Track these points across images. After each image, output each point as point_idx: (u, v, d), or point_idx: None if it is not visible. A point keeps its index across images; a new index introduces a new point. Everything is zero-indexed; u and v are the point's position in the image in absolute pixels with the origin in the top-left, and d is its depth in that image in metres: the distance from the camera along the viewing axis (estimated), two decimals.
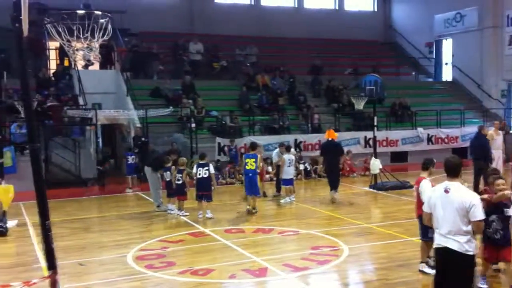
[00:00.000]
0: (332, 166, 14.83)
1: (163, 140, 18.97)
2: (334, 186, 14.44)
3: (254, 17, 29.05)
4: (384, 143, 21.91)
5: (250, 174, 12.84)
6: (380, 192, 15.78)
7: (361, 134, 21.65)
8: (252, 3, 30.22)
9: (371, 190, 16.16)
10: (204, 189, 12.36)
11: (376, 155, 16.76)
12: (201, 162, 12.57)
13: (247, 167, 12.86)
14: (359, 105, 17.15)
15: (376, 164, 16.37)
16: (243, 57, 25.91)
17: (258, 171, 13.13)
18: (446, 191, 5.60)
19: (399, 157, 22.52)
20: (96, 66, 20.54)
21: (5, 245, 10.70)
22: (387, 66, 28.69)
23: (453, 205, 5.51)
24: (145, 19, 25.56)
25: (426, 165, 8.13)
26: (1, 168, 12.11)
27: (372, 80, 16.58)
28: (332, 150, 14.72)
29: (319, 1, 31.58)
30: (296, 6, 31.10)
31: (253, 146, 13.65)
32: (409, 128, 23.20)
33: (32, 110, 5.72)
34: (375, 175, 16.49)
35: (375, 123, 16.85)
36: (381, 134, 20.69)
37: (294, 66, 26.85)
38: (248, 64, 25.50)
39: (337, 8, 32.04)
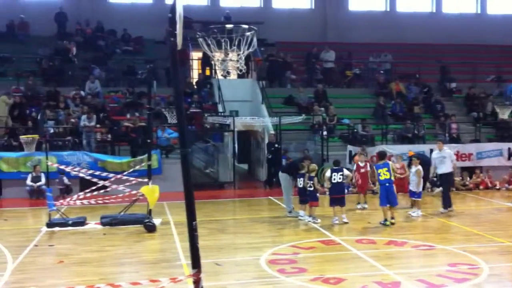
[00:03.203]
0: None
1: (295, 147, 19.35)
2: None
3: (388, 23, 28.50)
4: None
5: (387, 184, 12.58)
6: None
7: (504, 146, 20.21)
8: (387, 9, 29.66)
9: None
10: (338, 193, 12.61)
11: None
12: (335, 167, 12.77)
13: (381, 177, 12.65)
14: (504, 114, 16.08)
15: None
16: (376, 65, 25.54)
17: (393, 179, 12.84)
18: None
19: None
20: (234, 75, 21.53)
21: (151, 241, 11.61)
22: None
23: None
24: (281, 29, 26.23)
25: None
26: (149, 170, 13.11)
27: None
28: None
29: (459, 5, 30.09)
30: (434, 11, 29.94)
31: (382, 155, 13.41)
32: None
33: (184, 117, 6.08)
34: None
35: None
36: None
37: (430, 73, 25.87)
38: (382, 72, 25.09)
39: (479, 12, 30.29)
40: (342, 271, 8.86)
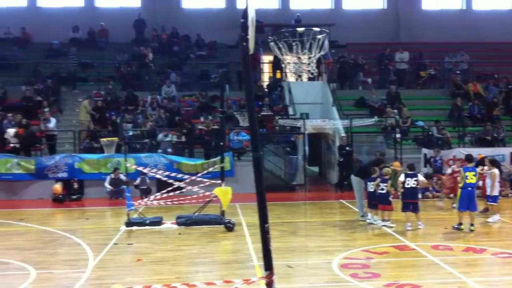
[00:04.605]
0: None
1: (367, 150, 19.08)
2: None
3: (464, 22, 27.56)
4: None
5: (470, 188, 12.16)
6: None
7: None
8: (463, 7, 28.64)
9: None
10: (411, 198, 12.34)
11: None
12: (409, 172, 12.49)
13: (467, 181, 12.23)
14: None
15: None
16: (452, 65, 24.72)
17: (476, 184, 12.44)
18: None
19: None
20: (305, 78, 21.54)
21: (224, 242, 11.84)
22: None
23: None
24: (352, 30, 25.99)
25: None
26: (222, 172, 13.39)
27: None
28: None
29: None
30: None
31: (470, 158, 12.93)
32: None
33: (256, 121, 6.18)
34: None
35: None
36: None
37: (510, 73, 24.69)
38: (458, 72, 24.26)
39: None
40: (417, 278, 8.67)
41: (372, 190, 13.01)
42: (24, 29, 26.14)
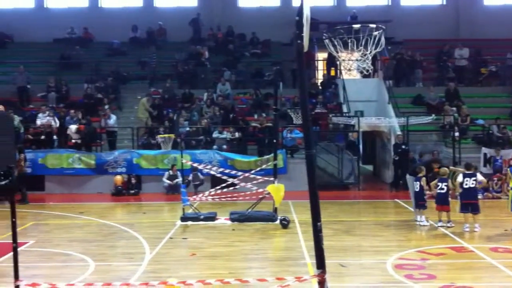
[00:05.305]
0: None
1: (423, 148, 18.65)
2: None
3: None
4: None
5: None
6: None
7: None
8: None
9: None
10: (470, 199, 11.99)
11: None
12: (468, 172, 12.15)
13: None
14: None
15: None
16: None
17: None
18: None
19: None
20: (359, 75, 21.29)
21: (277, 239, 11.91)
22: None
23: None
24: (409, 27, 25.49)
25: None
26: (275, 169, 13.46)
27: None
28: None
29: None
30: None
31: None
32: None
33: (309, 119, 6.18)
34: None
35: None
36: None
37: None
38: None
39: None
40: (474, 280, 8.45)
41: (418, 190, 12.74)
42: (86, 29, 27.11)
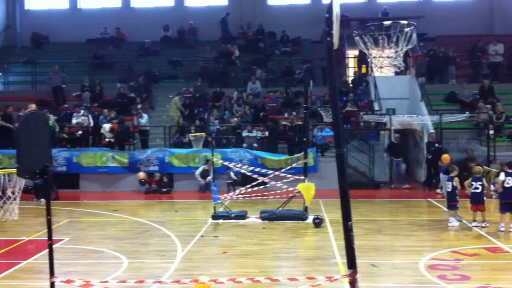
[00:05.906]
0: None
1: (457, 147, 18.33)
2: None
3: None
4: None
5: None
6: None
7: None
8: None
9: None
10: (511, 199, 11.65)
11: None
12: (509, 170, 11.84)
13: None
14: None
15: None
16: None
17: None
18: None
19: None
20: (391, 73, 21.03)
21: (307, 238, 11.89)
22: None
23: None
24: (442, 22, 25.07)
25: None
26: (305, 168, 13.43)
27: None
28: None
29: None
30: None
31: None
32: None
33: (339, 118, 6.12)
34: None
35: None
36: None
37: None
38: None
39: None
40: (510, 282, 8.28)
41: (450, 190, 12.49)
42: (119, 29, 27.52)
